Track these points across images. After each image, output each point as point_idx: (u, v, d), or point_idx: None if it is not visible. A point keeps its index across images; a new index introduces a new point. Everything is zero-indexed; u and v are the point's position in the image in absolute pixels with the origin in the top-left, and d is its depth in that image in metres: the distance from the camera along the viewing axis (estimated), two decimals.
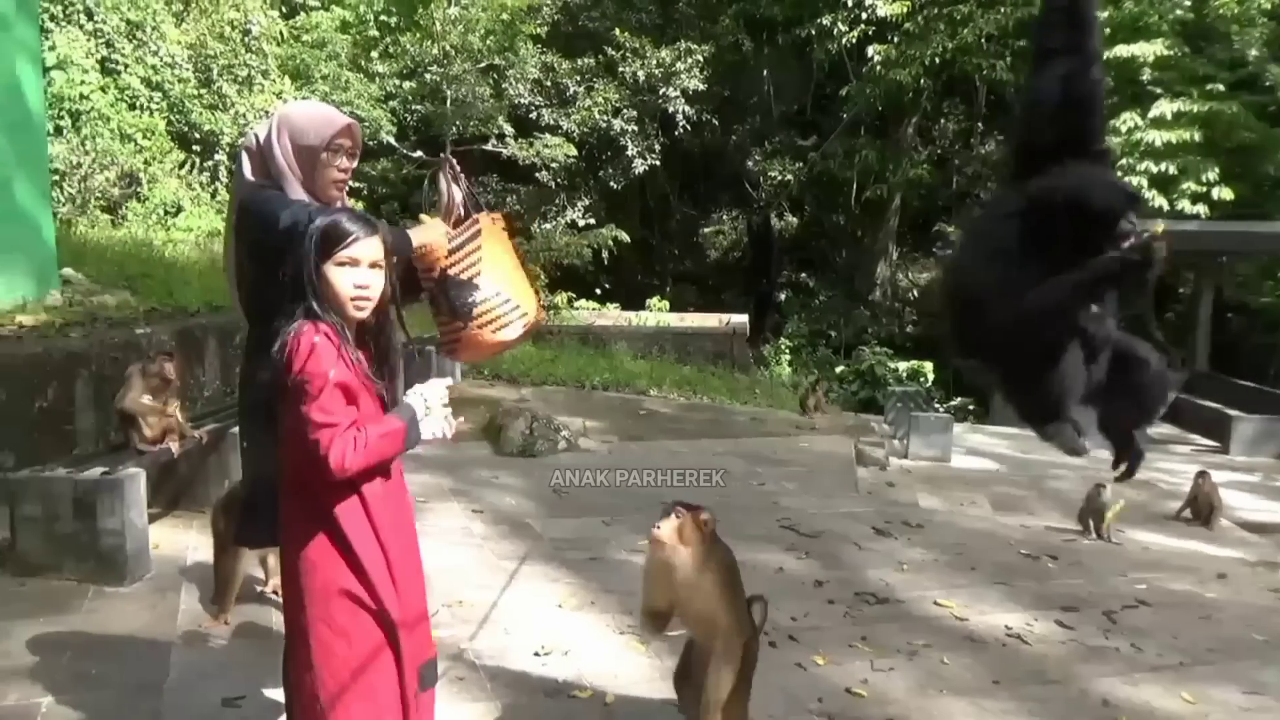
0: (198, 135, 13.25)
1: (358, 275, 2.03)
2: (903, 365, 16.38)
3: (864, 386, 15.73)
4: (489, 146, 16.63)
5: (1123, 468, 2.77)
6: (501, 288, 2.73)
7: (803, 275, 20.28)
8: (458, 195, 2.83)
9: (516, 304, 2.74)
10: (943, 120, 20.52)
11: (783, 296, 19.98)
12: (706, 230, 21.77)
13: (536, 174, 17.24)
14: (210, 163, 13.26)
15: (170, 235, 11.03)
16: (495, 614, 3.76)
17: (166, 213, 12.00)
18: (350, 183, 2.63)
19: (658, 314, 16.99)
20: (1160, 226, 2.49)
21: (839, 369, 16.67)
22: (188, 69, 13.31)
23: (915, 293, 20.15)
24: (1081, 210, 2.47)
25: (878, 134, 19.43)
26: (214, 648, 3.37)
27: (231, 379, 6.15)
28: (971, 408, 15.65)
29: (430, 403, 2.11)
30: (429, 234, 2.69)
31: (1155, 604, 4.51)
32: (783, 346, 17.47)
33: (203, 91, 13.41)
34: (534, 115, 17.53)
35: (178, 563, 4.12)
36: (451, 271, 2.70)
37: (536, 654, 3.46)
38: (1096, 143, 2.52)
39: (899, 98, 17.48)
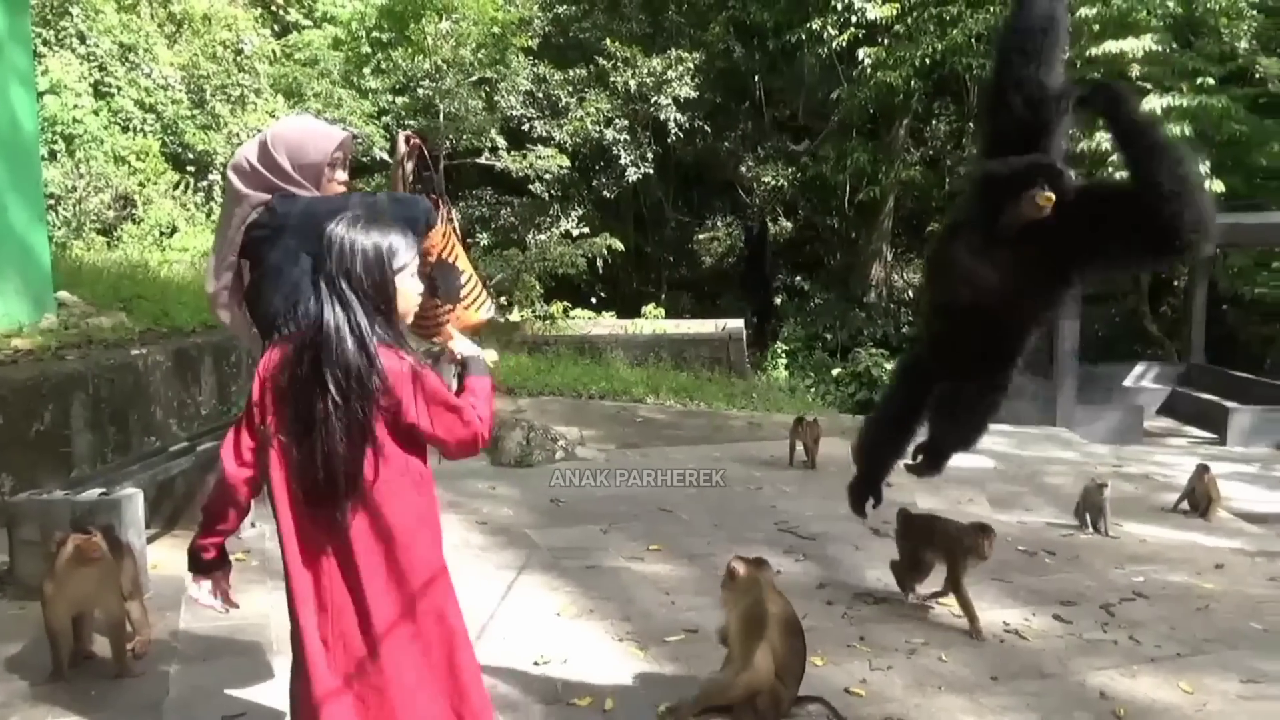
0: (191, 156, 13.30)
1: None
2: None
3: (861, 388, 15.75)
4: (482, 159, 16.67)
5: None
6: (468, 269, 2.89)
7: (798, 279, 20.30)
8: (408, 172, 2.89)
9: (479, 284, 2.94)
10: (934, 121, 20.54)
11: (778, 300, 20.09)
12: (701, 237, 21.80)
13: (530, 186, 17.25)
14: (204, 183, 13.30)
15: (165, 256, 11.08)
16: (493, 623, 3.78)
17: (161, 234, 12.04)
18: None
19: (653, 321, 16.98)
20: None
21: (835, 371, 16.67)
22: (180, 90, 13.37)
23: (910, 293, 20.16)
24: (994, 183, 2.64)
25: (870, 137, 19.47)
26: (213, 666, 3.39)
27: (228, 397, 6.17)
28: None
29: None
30: None
31: (1153, 596, 4.52)
32: (779, 350, 17.49)
33: (196, 112, 13.47)
34: (526, 127, 17.56)
35: (176, 582, 4.12)
36: (444, 255, 2.79)
37: (535, 663, 3.48)
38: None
39: (890, 100, 17.52)
